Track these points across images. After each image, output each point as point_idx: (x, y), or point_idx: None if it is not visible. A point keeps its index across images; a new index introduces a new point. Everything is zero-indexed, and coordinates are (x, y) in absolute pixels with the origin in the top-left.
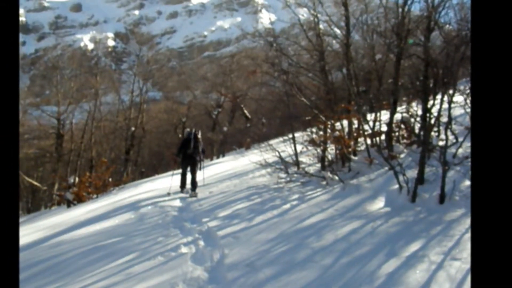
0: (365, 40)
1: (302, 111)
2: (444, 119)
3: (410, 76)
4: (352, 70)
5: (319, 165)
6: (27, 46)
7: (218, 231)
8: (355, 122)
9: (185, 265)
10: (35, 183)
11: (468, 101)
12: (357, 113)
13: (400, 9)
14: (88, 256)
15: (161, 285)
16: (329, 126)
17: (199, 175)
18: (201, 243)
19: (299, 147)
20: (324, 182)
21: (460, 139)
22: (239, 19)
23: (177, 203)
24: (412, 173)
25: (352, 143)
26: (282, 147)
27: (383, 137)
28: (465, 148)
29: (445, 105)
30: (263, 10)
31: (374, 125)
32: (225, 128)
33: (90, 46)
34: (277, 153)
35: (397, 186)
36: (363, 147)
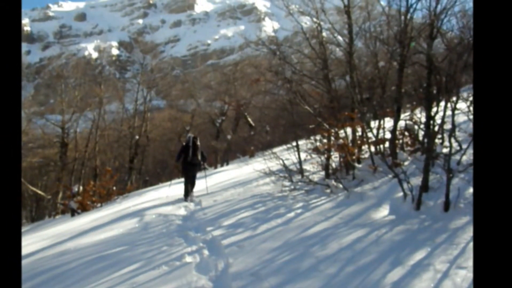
0: (368, 47)
1: (306, 119)
2: (448, 126)
3: (413, 83)
4: (355, 78)
5: (323, 173)
6: (32, 55)
7: (223, 240)
8: (359, 129)
9: (190, 275)
10: (39, 192)
11: (471, 108)
12: (360, 121)
13: (402, 17)
14: (92, 266)
15: None
16: (332, 134)
17: (203, 184)
18: (206, 252)
19: (303, 155)
20: (328, 190)
21: (464, 146)
22: (242, 27)
23: (181, 211)
24: (417, 181)
25: (356, 150)
26: (286, 155)
27: (387, 144)
28: (469, 155)
29: (449, 112)
30: (266, 19)
31: (378, 133)
32: (229, 136)
33: (94, 55)
34: (281, 161)
35: (401, 193)
36: (367, 155)
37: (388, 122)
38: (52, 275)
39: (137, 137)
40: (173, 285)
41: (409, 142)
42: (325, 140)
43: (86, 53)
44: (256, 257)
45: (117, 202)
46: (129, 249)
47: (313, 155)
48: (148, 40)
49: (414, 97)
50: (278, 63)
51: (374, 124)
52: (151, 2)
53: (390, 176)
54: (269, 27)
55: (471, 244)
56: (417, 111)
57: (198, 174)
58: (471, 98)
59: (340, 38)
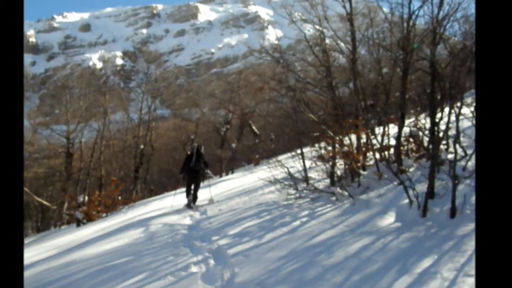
0: (371, 54)
1: (310, 127)
2: (453, 132)
3: (417, 89)
4: (359, 85)
5: (328, 180)
6: (37, 66)
7: (228, 249)
8: (364, 136)
9: (195, 285)
10: (44, 202)
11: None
12: (365, 128)
13: (405, 23)
14: (98, 277)
15: None
16: (337, 141)
17: (208, 193)
18: (211, 262)
19: (308, 163)
20: (333, 198)
21: (469, 152)
22: (246, 35)
23: (187, 221)
24: (422, 187)
25: (360, 157)
26: (291, 162)
27: (391, 151)
28: (474, 161)
29: (453, 118)
30: (269, 27)
31: (382, 139)
32: (233, 145)
33: (99, 65)
34: (286, 169)
35: (407, 200)
36: (372, 162)
37: (393, 129)
38: (58, 286)
39: (142, 146)
40: None
41: (414, 149)
42: (329, 148)
43: (91, 63)
44: (262, 267)
45: (123, 211)
46: (134, 259)
47: (318, 163)
48: (152, 50)
49: (418, 103)
50: (282, 71)
51: (378, 130)
52: (154, 12)
53: (396, 183)
54: (272, 35)
55: None
56: (421, 117)
57: (203, 183)
58: (474, 104)
59: (343, 45)
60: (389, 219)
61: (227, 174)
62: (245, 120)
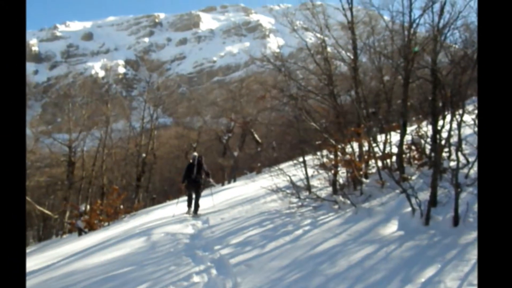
0: (372, 62)
1: (312, 135)
2: (454, 139)
3: (419, 97)
4: (360, 93)
5: (330, 189)
6: (40, 74)
7: (231, 259)
8: (366, 144)
9: None
10: (46, 211)
11: (477, 121)
12: (367, 136)
13: (406, 32)
14: (100, 287)
15: None
16: (339, 149)
17: (210, 202)
18: (214, 271)
19: (310, 171)
20: (336, 206)
21: (471, 160)
22: (247, 44)
23: (189, 230)
24: (425, 195)
25: (363, 166)
26: (293, 171)
27: (394, 159)
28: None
29: (455, 126)
30: (271, 35)
31: (384, 147)
32: (235, 153)
33: (101, 73)
34: (288, 178)
35: (409, 209)
36: (374, 170)
37: (395, 137)
38: None
39: (144, 155)
40: None
41: (416, 156)
42: (331, 156)
43: (93, 72)
44: (264, 276)
45: (125, 220)
46: (136, 269)
47: (320, 171)
48: (154, 58)
49: (419, 111)
50: (284, 80)
51: (380, 138)
52: (156, 20)
53: (398, 191)
54: (274, 43)
55: None
56: (423, 124)
57: (205, 192)
58: (476, 111)
59: (344, 53)
60: (391, 228)
61: (229, 182)
62: (247, 129)
